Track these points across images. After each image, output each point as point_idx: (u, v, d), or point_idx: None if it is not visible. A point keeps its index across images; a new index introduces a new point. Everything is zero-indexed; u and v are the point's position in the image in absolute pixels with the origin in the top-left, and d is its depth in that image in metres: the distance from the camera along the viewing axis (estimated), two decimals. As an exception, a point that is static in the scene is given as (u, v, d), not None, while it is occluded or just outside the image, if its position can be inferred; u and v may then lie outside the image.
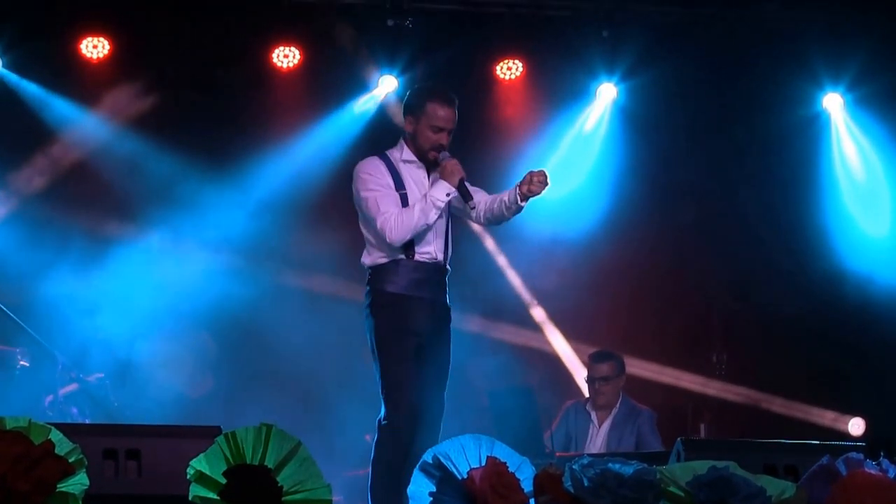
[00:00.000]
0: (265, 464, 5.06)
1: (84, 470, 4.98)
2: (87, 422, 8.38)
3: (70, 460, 4.95)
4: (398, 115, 7.10)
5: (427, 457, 5.24)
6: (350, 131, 10.09)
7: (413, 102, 6.61)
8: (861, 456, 5.43)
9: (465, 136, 6.87)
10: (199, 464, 5.02)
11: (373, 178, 6.54)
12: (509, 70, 10.38)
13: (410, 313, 6.44)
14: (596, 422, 8.68)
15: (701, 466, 5.21)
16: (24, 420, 4.97)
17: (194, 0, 9.86)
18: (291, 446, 5.11)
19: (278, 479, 5.06)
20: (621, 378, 8.76)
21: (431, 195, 6.45)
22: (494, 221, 6.66)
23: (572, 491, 5.05)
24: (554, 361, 10.55)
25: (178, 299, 9.65)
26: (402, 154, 6.60)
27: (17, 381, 8.59)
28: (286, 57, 10.14)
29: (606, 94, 10.38)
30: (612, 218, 10.32)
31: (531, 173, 6.42)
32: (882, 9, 9.99)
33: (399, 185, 6.54)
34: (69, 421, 8.26)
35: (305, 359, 9.56)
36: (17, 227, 9.66)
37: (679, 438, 5.93)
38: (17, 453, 4.87)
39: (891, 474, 5.38)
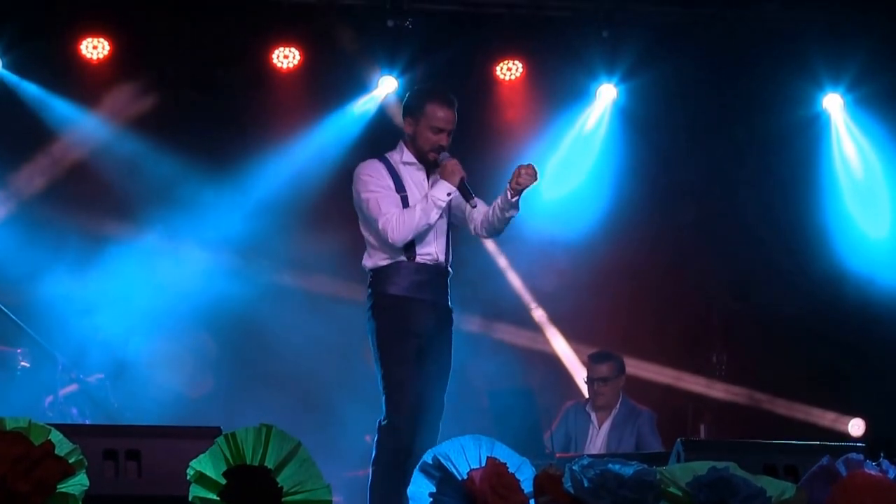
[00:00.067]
0: (265, 464, 5.06)
1: (84, 470, 4.98)
2: (87, 422, 8.37)
3: (70, 461, 4.95)
4: (398, 116, 7.08)
5: (427, 457, 5.23)
6: (350, 132, 10.08)
7: (412, 104, 6.61)
8: (861, 457, 5.43)
9: (465, 136, 6.87)
10: (199, 464, 5.02)
11: (373, 180, 6.54)
12: (509, 71, 10.38)
13: (412, 315, 6.44)
14: (596, 422, 8.67)
15: (701, 467, 5.21)
16: (24, 421, 4.97)
17: (194, 0, 9.87)
18: (291, 447, 5.11)
19: (278, 479, 5.06)
20: (621, 379, 8.75)
21: (432, 195, 6.46)
22: (492, 230, 6.65)
23: (572, 492, 5.05)
24: (554, 362, 10.54)
25: (178, 300, 9.64)
26: (402, 156, 6.60)
27: (17, 382, 8.59)
28: (286, 57, 10.14)
29: (606, 95, 10.37)
30: (611, 218, 10.31)
31: (520, 167, 6.45)
32: (882, 9, 9.99)
33: (399, 187, 6.54)
34: (69, 421, 8.26)
35: (305, 359, 9.56)
36: (17, 227, 9.65)
37: (679, 439, 5.92)
38: (18, 454, 4.87)
39: (891, 475, 5.38)
